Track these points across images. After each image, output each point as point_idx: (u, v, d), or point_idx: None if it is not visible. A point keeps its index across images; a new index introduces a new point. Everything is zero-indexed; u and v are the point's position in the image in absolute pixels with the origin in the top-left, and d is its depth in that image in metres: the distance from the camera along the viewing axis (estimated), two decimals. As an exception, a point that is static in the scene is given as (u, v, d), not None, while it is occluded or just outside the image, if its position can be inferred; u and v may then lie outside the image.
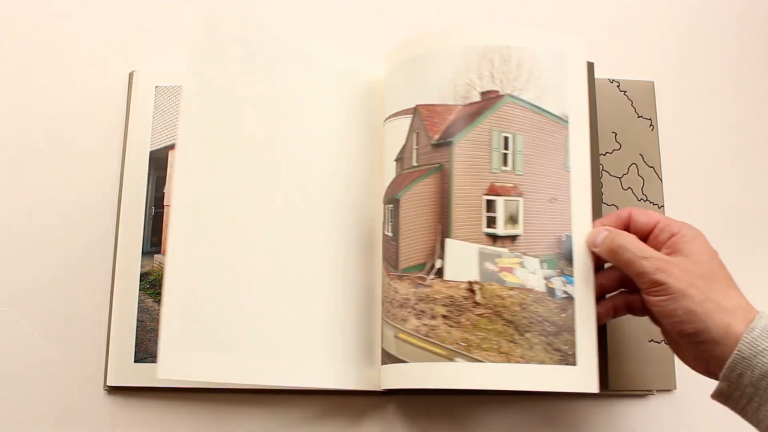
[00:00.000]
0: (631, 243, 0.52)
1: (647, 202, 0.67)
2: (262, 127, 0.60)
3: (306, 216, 0.64)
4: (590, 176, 0.57)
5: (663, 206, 0.67)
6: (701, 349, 0.50)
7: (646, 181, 0.68)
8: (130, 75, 0.69)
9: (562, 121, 0.58)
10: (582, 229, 0.56)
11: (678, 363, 0.64)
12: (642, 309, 0.56)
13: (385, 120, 0.63)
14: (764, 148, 0.71)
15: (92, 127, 0.68)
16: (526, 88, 0.58)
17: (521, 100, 0.58)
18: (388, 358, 0.58)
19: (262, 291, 0.57)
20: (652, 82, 0.70)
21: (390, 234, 0.60)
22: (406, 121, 0.60)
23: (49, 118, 0.68)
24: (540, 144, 0.57)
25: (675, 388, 0.64)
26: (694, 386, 0.65)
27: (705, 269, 0.50)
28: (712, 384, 0.65)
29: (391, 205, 0.60)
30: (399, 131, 0.60)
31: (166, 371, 0.50)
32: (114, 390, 0.63)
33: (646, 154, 0.68)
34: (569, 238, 0.56)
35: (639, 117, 0.69)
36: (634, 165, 0.68)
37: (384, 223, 0.61)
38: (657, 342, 0.64)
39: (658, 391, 0.64)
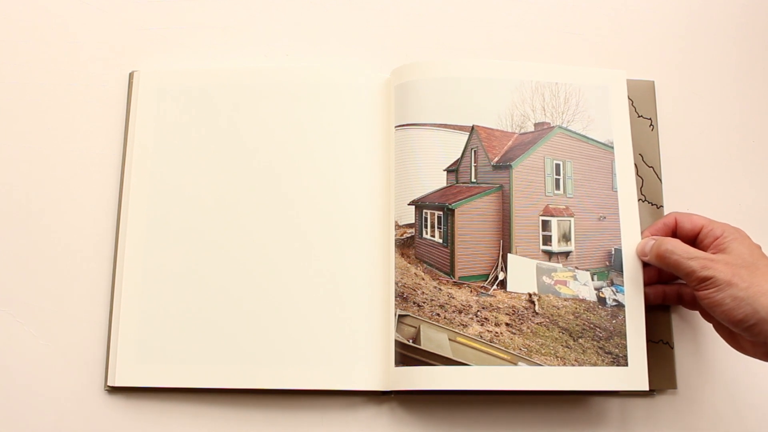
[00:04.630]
0: (676, 246, 0.58)
1: (646, 202, 0.67)
2: (230, 138, 0.66)
3: (291, 221, 0.64)
4: (636, 194, 0.64)
5: (662, 206, 0.67)
6: (755, 332, 0.54)
7: (646, 181, 0.68)
8: (130, 75, 0.69)
9: (608, 147, 0.65)
10: (631, 242, 0.63)
11: (678, 363, 0.64)
12: (692, 302, 0.62)
13: (411, 125, 0.64)
14: (764, 148, 0.71)
15: (92, 127, 0.68)
16: (573, 119, 0.65)
17: (570, 130, 0.65)
18: (436, 359, 0.59)
19: (239, 298, 0.63)
20: (652, 82, 0.70)
21: (438, 240, 0.63)
22: (458, 136, 0.64)
23: (49, 118, 0.68)
24: (588, 169, 0.65)
25: (675, 388, 0.64)
26: (694, 386, 0.65)
27: (747, 261, 0.56)
28: (712, 384, 0.65)
29: (440, 212, 0.63)
30: (449, 143, 0.64)
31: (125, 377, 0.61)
32: (114, 390, 0.63)
33: (646, 154, 0.68)
34: (618, 251, 0.63)
35: (639, 117, 0.69)
36: (634, 165, 0.67)
37: (422, 227, 0.63)
38: (656, 342, 0.64)
39: (658, 391, 0.64)
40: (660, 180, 0.68)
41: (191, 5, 0.72)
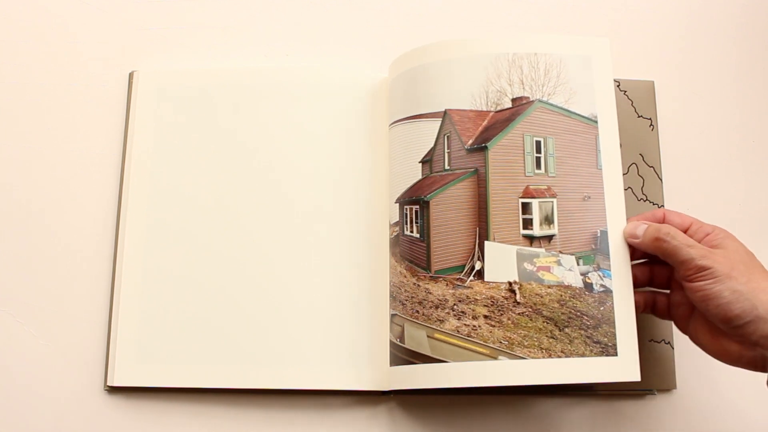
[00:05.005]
0: (676, 232, 0.55)
1: (647, 201, 0.67)
2: (229, 139, 0.66)
3: (291, 222, 0.64)
4: (621, 173, 0.59)
5: (663, 206, 0.67)
6: (749, 330, 0.51)
7: (646, 180, 0.68)
8: (130, 75, 0.69)
9: (592, 121, 0.60)
10: (617, 223, 0.58)
11: (678, 363, 0.64)
12: (665, 310, 0.59)
13: (398, 121, 0.63)
14: (764, 148, 0.71)
15: (92, 127, 0.68)
16: (554, 92, 0.60)
17: (551, 104, 0.60)
18: (417, 358, 0.58)
19: (235, 299, 0.63)
20: (652, 82, 0.70)
21: (416, 235, 0.61)
22: (432, 124, 0.61)
23: (49, 118, 0.68)
24: (571, 145, 0.59)
25: (675, 388, 0.64)
26: (694, 386, 0.65)
27: (743, 257, 0.53)
28: (712, 383, 0.65)
29: (417, 206, 0.61)
30: (423, 133, 0.61)
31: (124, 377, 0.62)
32: (114, 390, 0.63)
33: (646, 154, 0.68)
34: (604, 233, 0.58)
35: (639, 117, 0.69)
36: (634, 165, 0.68)
37: (403, 223, 0.62)
38: (657, 342, 0.64)
39: (658, 391, 0.64)
40: (660, 180, 0.68)
41: (191, 5, 0.72)
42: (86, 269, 0.65)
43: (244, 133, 0.66)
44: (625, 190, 0.67)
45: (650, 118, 0.69)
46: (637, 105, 0.69)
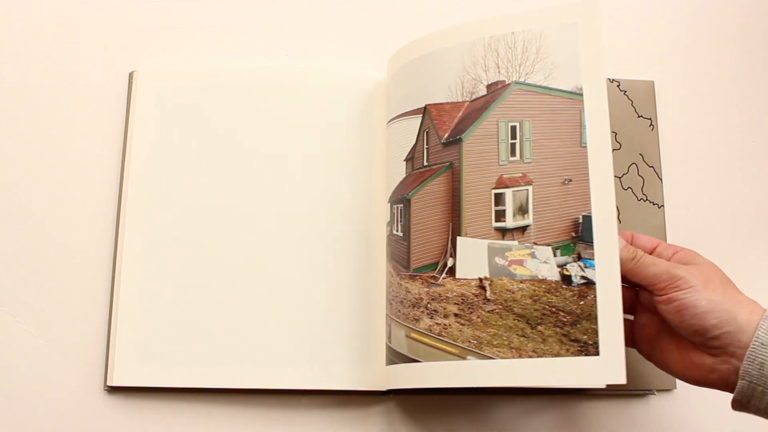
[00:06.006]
0: (643, 253, 0.53)
1: (647, 201, 0.67)
2: (228, 140, 0.66)
3: (291, 222, 0.64)
4: (610, 149, 0.53)
5: (663, 206, 0.67)
6: (726, 341, 0.49)
7: (646, 180, 0.68)
8: (130, 75, 0.69)
9: (576, 95, 0.54)
10: (605, 206, 0.52)
11: (678, 363, 0.64)
12: (627, 337, 0.55)
13: (390, 121, 0.63)
14: (764, 148, 0.71)
15: (92, 127, 0.68)
16: (533, 71, 0.56)
17: (528, 84, 0.56)
18: (398, 357, 0.57)
19: (232, 299, 0.63)
20: (652, 82, 0.70)
21: (400, 234, 0.60)
22: (415, 121, 0.60)
23: (49, 118, 0.68)
24: (550, 126, 0.55)
25: (675, 388, 0.64)
26: (694, 386, 0.64)
27: (717, 272, 0.52)
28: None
29: (401, 205, 0.60)
30: (408, 131, 0.61)
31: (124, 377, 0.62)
32: (114, 390, 0.63)
33: (646, 154, 0.68)
34: (588, 218, 0.52)
35: (639, 117, 0.69)
36: (634, 165, 0.68)
37: (392, 223, 0.61)
38: (657, 342, 0.64)
39: (658, 390, 0.64)
40: (660, 180, 0.68)
41: (191, 5, 0.72)
42: (86, 269, 0.65)
43: (244, 133, 0.66)
44: (625, 190, 0.67)
45: (650, 118, 0.69)
46: (637, 105, 0.69)
